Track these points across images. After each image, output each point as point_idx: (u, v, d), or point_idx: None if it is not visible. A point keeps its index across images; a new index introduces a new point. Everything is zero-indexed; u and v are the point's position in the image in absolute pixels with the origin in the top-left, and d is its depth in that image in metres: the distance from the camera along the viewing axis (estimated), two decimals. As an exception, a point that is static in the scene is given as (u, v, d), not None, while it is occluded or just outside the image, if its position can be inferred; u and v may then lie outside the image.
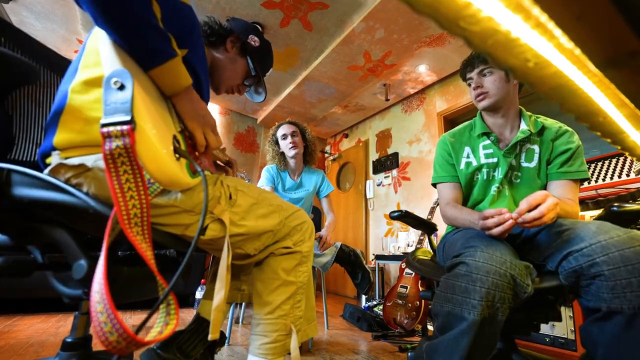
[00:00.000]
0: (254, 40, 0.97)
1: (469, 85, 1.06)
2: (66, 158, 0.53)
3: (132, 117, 0.42)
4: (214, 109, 3.95)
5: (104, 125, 0.42)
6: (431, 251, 1.23)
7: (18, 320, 1.89)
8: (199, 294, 2.65)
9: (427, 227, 1.22)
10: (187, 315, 2.32)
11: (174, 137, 0.56)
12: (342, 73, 3.03)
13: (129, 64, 0.53)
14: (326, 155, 4.76)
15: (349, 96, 3.48)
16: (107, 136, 0.42)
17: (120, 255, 0.72)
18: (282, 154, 1.86)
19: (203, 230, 0.62)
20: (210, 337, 0.57)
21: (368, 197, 3.85)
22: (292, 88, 3.36)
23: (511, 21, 0.22)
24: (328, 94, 3.44)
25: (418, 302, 1.68)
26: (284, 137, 1.84)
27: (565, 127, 1.01)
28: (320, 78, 3.14)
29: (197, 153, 0.67)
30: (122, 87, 0.43)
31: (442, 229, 2.33)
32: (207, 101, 0.88)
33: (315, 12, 2.37)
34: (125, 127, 0.42)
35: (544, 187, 0.99)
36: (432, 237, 1.31)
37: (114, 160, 0.43)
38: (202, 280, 2.70)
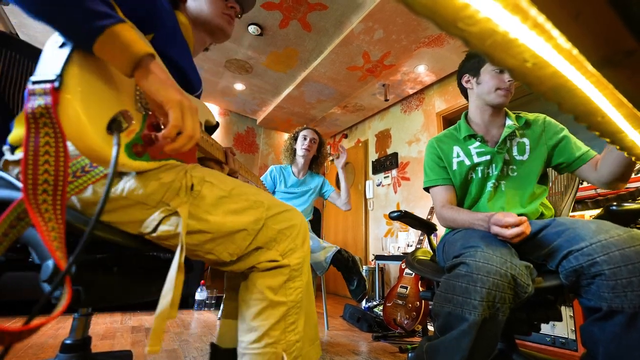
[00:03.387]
0: None
1: (500, 72, 0.98)
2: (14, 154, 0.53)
3: (60, 77, 0.41)
4: (213, 109, 3.94)
5: (33, 83, 0.41)
6: (431, 251, 1.23)
7: (17, 321, 1.89)
8: (198, 295, 2.65)
9: (426, 227, 1.22)
10: (187, 317, 2.31)
11: (122, 113, 0.48)
12: (341, 74, 3.03)
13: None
14: (330, 159, 4.77)
15: (348, 97, 3.49)
16: (32, 94, 0.41)
17: (98, 258, 0.63)
18: (295, 150, 2.06)
19: (155, 228, 0.55)
20: (147, 350, 0.45)
21: (368, 197, 3.85)
22: (292, 89, 3.36)
23: (509, 22, 0.22)
24: (327, 94, 3.45)
25: (418, 303, 1.68)
26: (305, 137, 2.03)
27: (543, 116, 1.04)
28: (319, 79, 3.14)
29: (155, 136, 0.54)
30: (62, 45, 0.44)
31: (441, 229, 2.33)
32: (198, 86, 0.82)
33: (314, 13, 2.37)
34: (48, 86, 0.40)
35: (539, 177, 1.00)
36: (432, 237, 1.31)
37: (35, 120, 0.41)
38: (202, 281, 2.70)
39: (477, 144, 1.05)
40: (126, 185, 0.54)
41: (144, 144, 0.53)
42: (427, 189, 1.15)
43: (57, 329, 1.77)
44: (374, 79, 3.12)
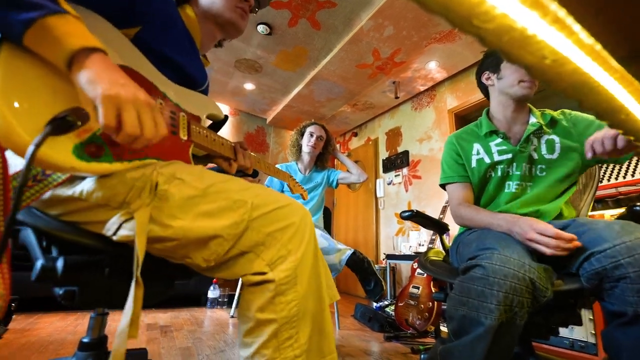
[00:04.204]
0: None
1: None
2: None
3: None
4: (223, 109, 3.98)
5: None
6: (443, 252, 1.21)
7: (39, 318, 1.96)
8: (211, 294, 2.68)
9: (438, 226, 1.20)
10: (200, 315, 2.35)
11: (73, 110, 0.43)
12: (350, 72, 3.01)
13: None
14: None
15: (358, 95, 3.46)
16: None
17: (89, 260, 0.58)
18: (301, 146, 2.05)
19: (115, 231, 0.51)
20: None
21: (378, 196, 3.82)
22: (301, 87, 3.36)
23: (528, 17, 0.21)
24: (337, 92, 3.43)
25: (430, 303, 1.66)
26: (311, 134, 2.01)
27: (568, 111, 1.02)
28: (329, 77, 3.12)
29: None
30: None
31: (454, 228, 2.29)
32: (201, 81, 0.79)
33: (323, 11, 2.36)
34: None
35: (569, 175, 0.95)
36: (444, 237, 1.29)
37: None
38: (214, 279, 2.73)
39: (499, 140, 1.01)
40: (85, 186, 0.50)
41: (106, 144, 0.49)
42: (443, 186, 1.12)
43: (75, 325, 1.83)
44: (384, 77, 3.09)
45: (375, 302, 1.50)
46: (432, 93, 3.33)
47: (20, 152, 0.40)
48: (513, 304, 0.61)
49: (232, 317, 2.29)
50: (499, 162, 0.99)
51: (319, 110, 3.87)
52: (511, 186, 0.98)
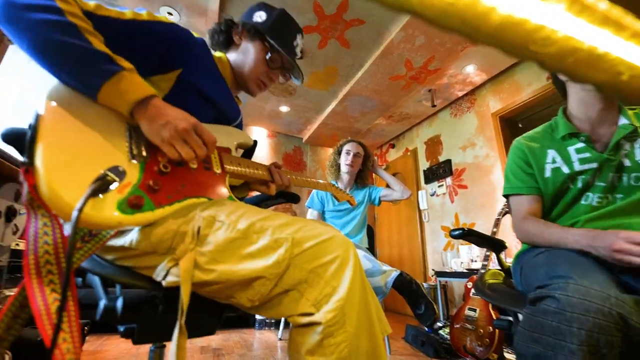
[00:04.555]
0: (259, 16, 0.84)
1: None
2: None
3: (29, 159, 0.43)
4: (262, 132, 4.15)
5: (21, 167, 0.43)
6: (502, 272, 1.10)
7: (107, 340, 2.11)
8: (259, 315, 2.71)
9: (494, 244, 1.10)
10: (249, 337, 2.38)
11: (111, 170, 0.48)
12: (383, 84, 2.98)
13: (66, 94, 0.52)
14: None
15: (392, 106, 3.41)
16: (22, 181, 0.43)
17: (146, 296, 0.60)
18: (339, 165, 2.02)
19: (164, 277, 0.52)
20: None
21: (421, 208, 3.66)
22: (334, 105, 3.39)
23: (597, 36, 0.18)
24: (370, 106, 3.41)
25: (491, 328, 1.50)
26: (348, 152, 1.97)
27: None
28: (361, 92, 3.12)
29: (155, 182, 0.53)
30: (30, 127, 0.46)
31: (511, 245, 2.14)
32: (234, 116, 0.84)
33: (352, 29, 2.38)
34: (22, 172, 0.43)
35: None
36: (501, 255, 1.17)
37: (31, 204, 0.43)
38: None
39: (580, 145, 0.86)
40: (133, 236, 0.53)
41: (145, 193, 0.51)
42: (506, 196, 0.99)
43: (138, 348, 1.94)
44: (419, 86, 3.01)
45: (427, 327, 1.37)
46: (472, 97, 3.17)
47: (67, 218, 0.42)
48: (600, 344, 0.51)
49: (280, 339, 2.28)
50: (581, 172, 0.84)
51: (353, 125, 3.86)
52: (591, 198, 0.83)
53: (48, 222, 0.43)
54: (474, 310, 1.65)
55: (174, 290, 0.53)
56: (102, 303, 0.52)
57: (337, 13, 2.23)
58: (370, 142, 4.48)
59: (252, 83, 0.85)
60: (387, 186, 2.01)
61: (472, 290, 1.74)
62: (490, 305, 1.58)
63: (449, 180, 3.33)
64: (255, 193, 0.91)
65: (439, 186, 3.45)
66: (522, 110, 2.77)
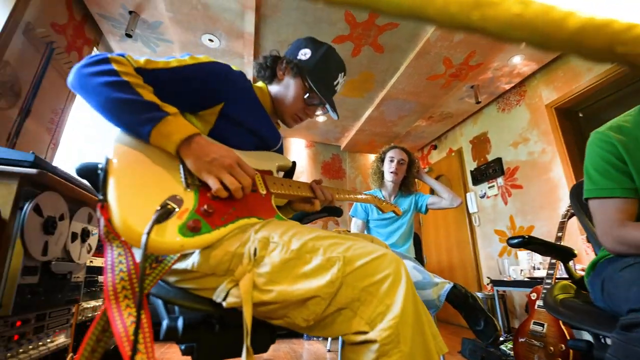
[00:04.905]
0: (304, 54, 0.87)
1: None
2: None
3: (104, 196, 0.49)
4: (300, 143, 4.22)
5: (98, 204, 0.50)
6: (572, 284, 0.97)
7: (169, 347, 2.26)
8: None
9: (561, 253, 0.99)
10: (298, 347, 2.39)
11: (170, 199, 0.54)
12: (421, 85, 2.88)
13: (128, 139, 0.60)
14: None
15: (432, 106, 3.28)
16: (99, 217, 0.48)
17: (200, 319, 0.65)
18: (382, 172, 1.96)
19: (224, 298, 0.55)
20: None
21: (471, 211, 3.43)
22: (371, 111, 3.35)
23: None
24: (408, 109, 3.31)
25: (563, 346, 1.34)
26: (391, 160, 1.92)
27: None
28: (398, 95, 3.05)
29: (209, 205, 0.58)
30: (101, 169, 0.53)
31: (580, 248, 1.93)
32: (274, 142, 0.88)
33: (385, 34, 2.35)
34: (98, 206, 0.49)
35: None
36: (570, 264, 1.04)
37: (107, 237, 0.49)
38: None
39: None
40: (194, 259, 0.57)
41: (201, 217, 0.56)
42: (587, 199, 0.84)
43: (194, 356, 2.04)
44: (460, 83, 2.86)
45: (488, 345, 1.24)
46: (522, 90, 2.94)
47: (136, 244, 0.47)
48: None
49: (329, 351, 2.26)
50: None
51: (391, 129, 3.77)
52: None
53: (122, 251, 0.48)
54: (541, 325, 1.49)
55: (229, 310, 0.56)
56: (165, 323, 0.56)
57: (369, 20, 2.21)
58: (411, 145, 4.34)
59: (289, 117, 0.90)
60: (432, 192, 1.91)
61: (538, 303, 1.57)
62: (560, 321, 1.41)
63: (500, 180, 3.10)
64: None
65: (489, 187, 3.23)
66: (582, 98, 2.49)
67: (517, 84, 2.95)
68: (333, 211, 0.95)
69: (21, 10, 1.67)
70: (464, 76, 2.75)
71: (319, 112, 0.96)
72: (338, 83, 0.92)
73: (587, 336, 1.45)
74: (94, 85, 0.58)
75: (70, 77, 0.60)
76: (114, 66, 0.59)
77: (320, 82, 0.86)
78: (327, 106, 0.90)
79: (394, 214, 1.75)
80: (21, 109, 1.72)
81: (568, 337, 1.34)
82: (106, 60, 0.60)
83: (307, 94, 0.86)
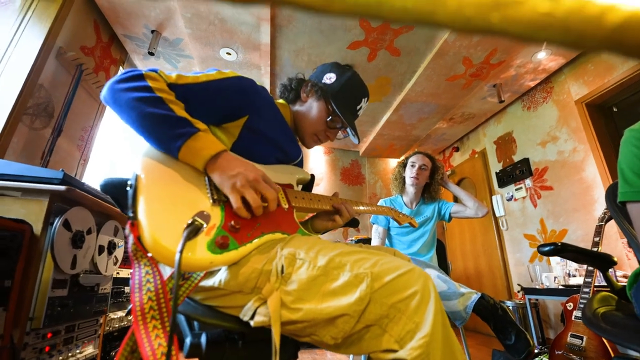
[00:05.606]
0: (328, 78, 0.89)
1: None
2: None
3: (134, 214, 0.48)
4: (318, 150, 4.23)
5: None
6: (613, 295, 0.89)
7: None
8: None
9: (599, 261, 0.91)
10: (322, 357, 2.35)
11: (198, 215, 0.54)
12: (440, 87, 2.81)
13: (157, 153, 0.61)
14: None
15: (453, 108, 3.18)
16: (128, 234, 0.48)
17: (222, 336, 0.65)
18: (404, 178, 1.91)
19: (252, 316, 0.54)
20: None
21: (497, 215, 3.29)
22: (389, 115, 3.30)
23: None
24: (428, 111, 3.24)
25: (608, 362, 1.23)
26: (413, 165, 1.87)
27: None
28: (417, 98, 2.99)
29: (236, 221, 0.58)
30: (131, 186, 0.52)
31: (621, 254, 1.82)
32: (295, 155, 0.88)
33: (401, 37, 2.32)
34: (128, 224, 0.48)
35: None
36: (609, 272, 0.96)
37: (135, 255, 0.48)
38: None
39: None
40: (221, 276, 0.57)
41: (228, 233, 0.55)
42: (624, 203, 0.78)
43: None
44: (481, 82, 2.77)
45: None
46: (548, 86, 2.80)
47: (165, 261, 0.48)
48: None
49: (352, 361, 2.21)
50: None
51: (411, 132, 3.70)
52: None
53: (150, 270, 0.47)
54: (580, 338, 1.38)
55: (252, 326, 0.55)
56: (189, 340, 0.56)
57: (384, 24, 2.19)
58: (432, 148, 4.24)
59: (309, 137, 0.91)
60: (456, 200, 1.84)
61: (575, 313, 1.46)
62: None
63: (528, 182, 2.95)
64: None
65: (516, 189, 3.08)
66: (616, 92, 2.34)
67: (543, 81, 2.82)
68: (350, 222, 0.94)
69: (54, 36, 1.78)
70: (485, 75, 2.66)
71: (340, 136, 0.96)
72: (361, 108, 0.93)
73: (633, 352, 1.33)
74: (127, 100, 0.59)
75: (104, 92, 0.61)
76: (149, 82, 0.61)
77: (344, 105, 0.87)
78: (349, 130, 0.90)
79: (417, 220, 1.70)
80: (54, 128, 1.83)
81: (612, 354, 1.23)
82: (141, 77, 0.62)
83: (330, 117, 0.88)
